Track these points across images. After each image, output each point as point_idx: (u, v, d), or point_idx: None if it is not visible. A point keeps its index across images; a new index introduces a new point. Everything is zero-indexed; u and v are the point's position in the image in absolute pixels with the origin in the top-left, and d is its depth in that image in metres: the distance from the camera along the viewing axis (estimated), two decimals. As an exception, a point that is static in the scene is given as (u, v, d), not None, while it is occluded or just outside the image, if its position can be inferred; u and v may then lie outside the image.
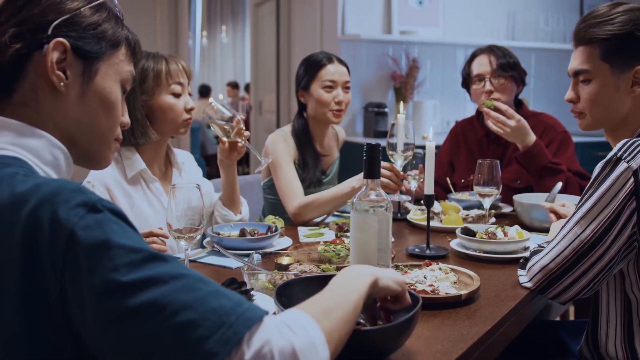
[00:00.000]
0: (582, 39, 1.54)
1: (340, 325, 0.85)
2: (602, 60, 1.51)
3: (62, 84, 0.94)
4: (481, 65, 2.52)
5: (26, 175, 0.84)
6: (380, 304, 1.09)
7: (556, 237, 1.42)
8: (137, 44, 1.06)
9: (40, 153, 0.92)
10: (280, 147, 2.41)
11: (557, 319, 2.62)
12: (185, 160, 2.13)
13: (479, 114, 2.63)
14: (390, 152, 2.16)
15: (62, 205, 0.76)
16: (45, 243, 0.75)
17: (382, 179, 1.96)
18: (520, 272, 1.55)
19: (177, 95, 1.93)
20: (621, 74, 1.50)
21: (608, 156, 1.36)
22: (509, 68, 2.50)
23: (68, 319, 0.76)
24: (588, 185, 1.38)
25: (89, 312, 0.74)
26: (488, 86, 2.49)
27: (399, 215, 2.32)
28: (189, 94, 1.98)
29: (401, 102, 2.42)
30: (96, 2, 0.98)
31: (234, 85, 10.91)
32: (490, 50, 2.54)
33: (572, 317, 2.79)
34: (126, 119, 1.06)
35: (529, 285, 1.48)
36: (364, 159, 1.31)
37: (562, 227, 1.42)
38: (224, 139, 1.91)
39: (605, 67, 1.51)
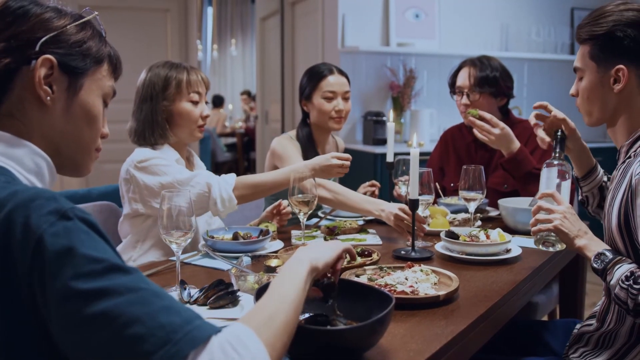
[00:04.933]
0: (578, 38, 1.56)
1: (282, 331, 0.83)
2: (590, 58, 1.52)
3: (48, 98, 0.94)
4: (462, 78, 2.52)
5: (7, 182, 0.85)
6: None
7: None
8: (118, 60, 1.07)
9: (23, 161, 0.93)
10: (287, 145, 2.47)
11: (545, 318, 2.60)
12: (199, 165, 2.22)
13: None
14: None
15: (35, 211, 0.77)
16: (17, 246, 0.76)
17: (401, 222, 1.96)
18: None
19: (194, 103, 1.99)
20: (605, 72, 1.50)
21: None
22: (486, 84, 2.47)
23: (39, 318, 0.77)
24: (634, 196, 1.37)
25: (54, 314, 0.75)
26: (464, 100, 2.50)
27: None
28: (206, 102, 2.06)
29: (391, 111, 2.41)
30: (81, 20, 0.99)
31: (249, 94, 10.98)
32: (473, 63, 2.52)
33: (558, 317, 2.76)
34: (106, 130, 1.07)
35: None
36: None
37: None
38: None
39: (593, 65, 1.52)
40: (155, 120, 1.95)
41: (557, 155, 1.71)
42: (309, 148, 2.51)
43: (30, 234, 0.76)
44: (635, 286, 1.32)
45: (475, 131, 2.31)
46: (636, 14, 1.44)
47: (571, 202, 2.25)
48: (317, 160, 2.01)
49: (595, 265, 1.42)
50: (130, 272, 0.78)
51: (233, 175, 1.96)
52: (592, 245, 1.46)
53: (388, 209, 2.00)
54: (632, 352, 1.48)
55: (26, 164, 0.93)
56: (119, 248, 2.01)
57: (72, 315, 0.74)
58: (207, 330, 0.75)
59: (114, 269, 0.77)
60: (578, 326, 1.67)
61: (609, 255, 1.41)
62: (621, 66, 1.46)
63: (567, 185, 1.66)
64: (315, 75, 2.51)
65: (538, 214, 1.55)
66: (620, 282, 1.35)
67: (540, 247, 1.62)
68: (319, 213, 2.40)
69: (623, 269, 1.37)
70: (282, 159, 2.42)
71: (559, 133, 1.75)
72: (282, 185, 1.96)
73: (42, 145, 0.96)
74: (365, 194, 2.41)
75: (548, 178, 1.67)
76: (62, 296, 0.74)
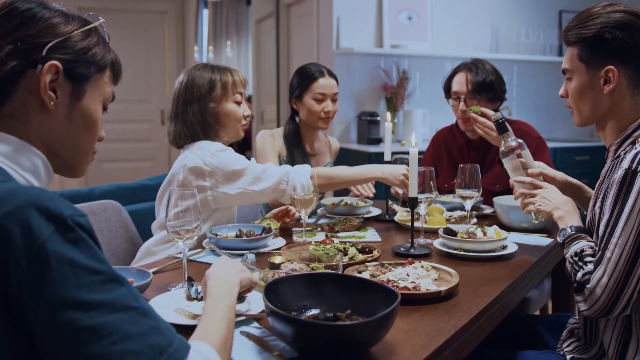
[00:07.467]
0: (566, 40, 1.55)
1: (230, 346, 0.95)
2: (579, 60, 1.51)
3: (52, 103, 0.93)
4: (458, 83, 2.47)
5: (2, 181, 0.83)
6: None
7: (605, 254, 1.34)
8: (120, 67, 1.05)
9: (19, 160, 0.91)
10: (267, 140, 2.55)
11: (537, 313, 2.61)
12: None
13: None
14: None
15: (36, 215, 0.75)
16: (13, 248, 0.74)
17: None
18: (578, 298, 1.40)
19: (238, 103, 2.03)
20: (595, 73, 1.48)
21: (623, 171, 1.33)
22: (484, 90, 2.43)
23: (24, 322, 0.75)
24: (613, 200, 1.34)
25: (44, 322, 0.74)
26: (462, 106, 2.45)
27: (387, 216, 2.32)
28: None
29: (387, 113, 2.42)
30: (88, 27, 0.97)
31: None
32: (469, 68, 2.46)
33: (550, 312, 2.78)
34: (103, 133, 1.05)
35: (592, 311, 1.36)
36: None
37: (604, 243, 1.35)
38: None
39: (582, 66, 1.50)
40: (206, 122, 1.97)
41: (506, 138, 1.87)
42: (295, 143, 2.58)
43: (32, 239, 0.74)
44: (579, 263, 1.40)
45: (476, 127, 2.30)
46: (623, 15, 1.43)
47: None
48: (391, 167, 2.12)
49: (558, 238, 1.54)
50: (123, 283, 0.80)
51: (307, 165, 2.07)
52: (565, 218, 1.57)
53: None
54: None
55: (22, 162, 0.91)
56: (162, 234, 1.98)
57: (70, 324, 0.74)
58: (182, 352, 0.81)
59: (112, 281, 0.78)
60: (572, 321, 1.69)
61: (569, 231, 1.51)
62: (611, 67, 1.45)
63: (528, 154, 1.86)
64: (306, 77, 2.55)
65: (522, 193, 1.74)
66: (570, 256, 1.44)
67: (533, 219, 1.84)
68: (319, 211, 2.40)
69: (578, 245, 1.44)
70: (257, 153, 2.51)
71: (499, 118, 1.91)
72: (354, 182, 2.13)
73: (40, 148, 0.94)
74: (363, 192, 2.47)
75: (513, 168, 1.84)
76: (62, 305, 0.74)
